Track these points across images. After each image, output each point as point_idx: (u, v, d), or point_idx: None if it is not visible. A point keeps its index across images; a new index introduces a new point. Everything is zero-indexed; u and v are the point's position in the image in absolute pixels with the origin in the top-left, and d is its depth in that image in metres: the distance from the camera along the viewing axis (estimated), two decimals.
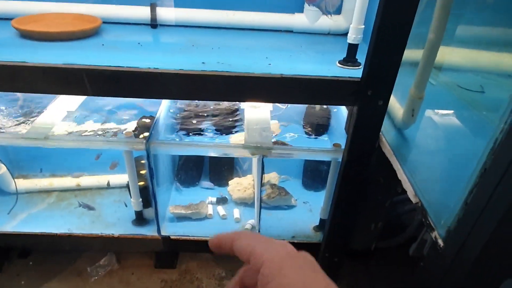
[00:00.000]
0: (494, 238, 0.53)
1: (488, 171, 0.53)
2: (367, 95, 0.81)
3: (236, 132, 1.34)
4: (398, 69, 0.77)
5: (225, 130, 1.35)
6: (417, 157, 0.80)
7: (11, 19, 0.94)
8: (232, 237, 0.32)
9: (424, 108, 0.81)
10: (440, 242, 0.63)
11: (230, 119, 1.34)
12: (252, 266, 0.30)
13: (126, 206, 1.23)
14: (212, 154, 0.98)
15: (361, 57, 0.87)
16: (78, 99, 1.18)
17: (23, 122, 1.13)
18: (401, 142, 0.86)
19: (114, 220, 1.18)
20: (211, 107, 1.32)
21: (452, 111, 0.84)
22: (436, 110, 0.86)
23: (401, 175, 0.79)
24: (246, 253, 0.30)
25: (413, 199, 0.74)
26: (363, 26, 0.81)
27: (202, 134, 1.34)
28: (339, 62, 0.87)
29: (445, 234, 0.63)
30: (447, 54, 0.84)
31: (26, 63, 0.79)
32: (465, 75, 0.89)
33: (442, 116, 0.85)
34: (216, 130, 1.35)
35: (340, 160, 0.98)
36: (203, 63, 0.84)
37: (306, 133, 1.37)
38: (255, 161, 1.06)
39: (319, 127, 1.36)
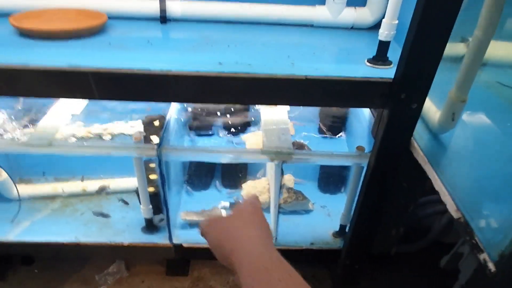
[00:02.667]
0: None
1: None
2: (400, 98, 0.74)
3: (247, 130, 1.28)
4: (437, 70, 0.70)
5: (238, 128, 1.28)
6: (457, 166, 0.73)
7: (8, 15, 0.86)
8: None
9: (464, 109, 0.73)
10: (491, 266, 0.57)
11: (242, 117, 1.27)
12: None
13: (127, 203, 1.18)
14: (227, 160, 0.91)
15: (390, 55, 0.80)
16: (83, 100, 1.11)
17: (26, 126, 1.06)
18: (437, 148, 0.78)
19: (123, 227, 1.12)
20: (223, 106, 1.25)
21: (495, 113, 0.76)
22: (477, 112, 0.78)
23: (438, 186, 0.72)
24: None
25: (455, 214, 0.67)
26: (397, 21, 0.73)
27: (213, 134, 1.28)
28: (369, 61, 0.80)
29: (497, 258, 0.56)
30: (491, 49, 0.76)
31: (26, 66, 0.72)
32: (506, 71, 0.81)
33: (484, 118, 0.78)
34: (227, 128, 1.29)
35: (363, 165, 0.91)
36: (220, 63, 0.76)
37: (321, 132, 1.31)
38: (272, 165, 0.99)
39: (336, 127, 1.29)
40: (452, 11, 0.63)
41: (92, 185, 1.22)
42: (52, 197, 1.20)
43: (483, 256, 0.59)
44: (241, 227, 0.48)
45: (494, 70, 0.81)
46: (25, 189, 1.18)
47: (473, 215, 0.63)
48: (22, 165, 1.23)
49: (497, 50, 0.77)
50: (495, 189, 0.66)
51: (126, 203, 1.19)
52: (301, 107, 1.25)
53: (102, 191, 1.21)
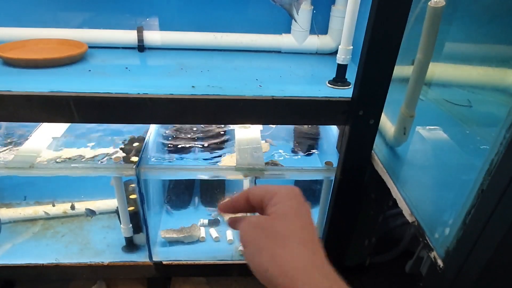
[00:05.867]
0: (494, 260, 0.53)
1: (486, 192, 0.53)
2: (358, 115, 0.81)
3: (224, 150, 1.33)
4: (388, 88, 0.78)
5: (215, 149, 1.33)
6: (411, 175, 0.80)
7: None
8: (246, 191, 0.39)
9: (415, 124, 0.81)
10: (440, 262, 0.63)
11: (219, 138, 1.33)
12: (264, 199, 0.38)
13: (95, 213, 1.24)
14: (204, 177, 0.96)
15: (349, 76, 0.88)
16: (64, 124, 1.15)
17: (8, 149, 1.09)
18: (393, 160, 0.86)
19: (103, 247, 1.14)
20: (201, 126, 1.31)
21: (443, 127, 0.84)
22: (427, 126, 0.86)
23: (395, 193, 0.79)
24: (260, 194, 0.38)
25: (409, 218, 0.74)
26: (352, 47, 0.82)
27: (191, 152, 1.32)
28: (329, 82, 0.88)
29: (444, 255, 0.62)
30: (435, 70, 0.85)
31: (10, 92, 0.77)
32: (452, 90, 0.90)
33: (434, 132, 0.86)
34: (204, 149, 1.34)
35: (332, 178, 0.97)
36: (193, 86, 0.83)
37: (295, 151, 1.37)
38: (246, 182, 1.05)
39: (309, 145, 1.36)
40: (395, 38, 0.71)
41: (75, 207, 1.25)
42: (33, 220, 1.22)
43: (433, 254, 0.65)
44: (291, 246, 0.34)
45: (441, 89, 0.90)
46: (6, 213, 1.20)
47: (424, 218, 0.70)
48: (3, 190, 1.25)
49: (441, 70, 0.86)
50: (442, 193, 0.73)
51: (93, 212, 1.22)
52: (274, 127, 1.32)
53: (73, 209, 1.24)
